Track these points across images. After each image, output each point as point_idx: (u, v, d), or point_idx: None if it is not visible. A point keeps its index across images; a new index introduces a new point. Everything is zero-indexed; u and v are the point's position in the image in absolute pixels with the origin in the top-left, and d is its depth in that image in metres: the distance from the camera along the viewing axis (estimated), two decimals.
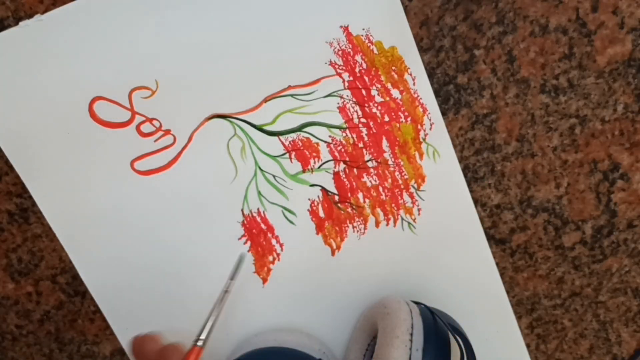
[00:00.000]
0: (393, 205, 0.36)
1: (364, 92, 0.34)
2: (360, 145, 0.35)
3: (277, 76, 0.34)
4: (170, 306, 0.37)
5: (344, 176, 0.36)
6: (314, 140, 0.35)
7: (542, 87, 0.35)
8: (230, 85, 0.34)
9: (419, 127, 0.35)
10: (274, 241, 0.36)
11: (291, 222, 0.36)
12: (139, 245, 0.36)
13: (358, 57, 0.34)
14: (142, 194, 0.35)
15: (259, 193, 0.36)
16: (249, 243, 0.36)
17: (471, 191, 0.36)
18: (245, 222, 0.36)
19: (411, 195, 0.36)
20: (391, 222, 0.37)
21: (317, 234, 0.36)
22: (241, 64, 0.33)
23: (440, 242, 0.37)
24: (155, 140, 0.34)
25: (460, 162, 0.36)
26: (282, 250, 0.37)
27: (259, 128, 0.34)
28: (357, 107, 0.35)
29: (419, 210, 0.36)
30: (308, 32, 0.33)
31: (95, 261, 0.36)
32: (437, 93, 0.35)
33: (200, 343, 0.31)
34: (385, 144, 0.35)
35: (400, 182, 0.36)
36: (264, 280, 0.37)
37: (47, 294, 0.38)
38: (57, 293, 0.38)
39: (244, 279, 0.36)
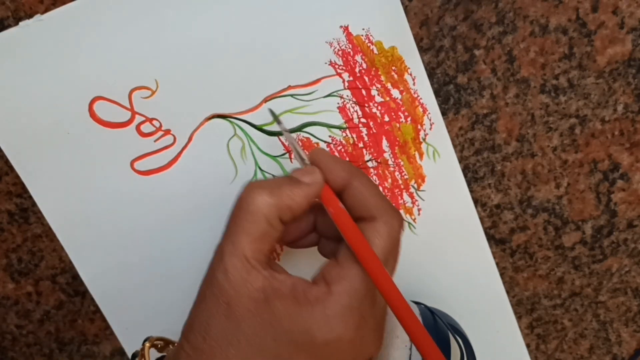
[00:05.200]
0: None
1: (364, 92, 0.34)
2: (360, 145, 0.35)
3: (277, 76, 0.34)
4: (170, 306, 0.37)
5: None
6: (314, 140, 0.35)
7: (542, 87, 0.35)
8: (230, 85, 0.34)
9: (419, 127, 0.35)
10: None
11: None
12: (139, 245, 0.36)
13: (358, 57, 0.34)
14: (142, 194, 0.35)
15: None
16: None
17: (471, 191, 0.36)
18: None
19: (411, 195, 0.36)
20: None
21: None
22: (241, 64, 0.33)
23: (440, 242, 0.37)
24: (155, 140, 0.34)
25: (460, 162, 0.36)
26: (281, 250, 0.37)
27: (259, 128, 0.34)
28: (357, 107, 0.35)
29: (419, 210, 0.36)
30: (308, 32, 0.33)
31: (95, 261, 0.36)
32: (437, 93, 0.35)
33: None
34: (385, 144, 0.35)
35: (400, 182, 0.36)
36: None
37: (47, 294, 0.38)
38: (57, 293, 0.38)
39: None
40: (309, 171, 0.26)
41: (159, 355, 0.29)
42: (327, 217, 0.26)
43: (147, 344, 0.27)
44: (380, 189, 0.36)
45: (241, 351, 0.24)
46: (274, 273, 0.25)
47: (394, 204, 0.27)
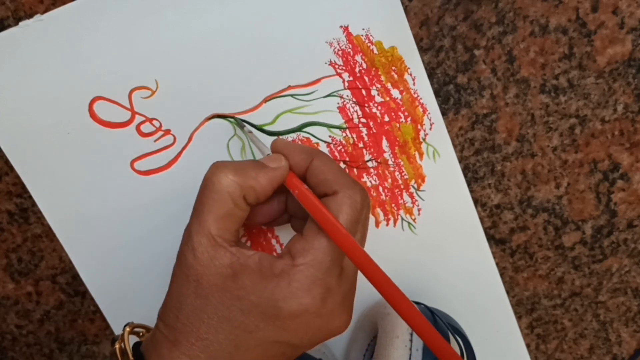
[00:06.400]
0: (393, 205, 0.36)
1: (364, 92, 0.34)
2: (360, 145, 0.35)
3: (277, 76, 0.34)
4: None
5: None
6: (314, 140, 0.35)
7: (542, 87, 0.35)
8: (230, 85, 0.34)
9: (419, 127, 0.35)
10: (273, 241, 0.36)
11: None
12: (139, 245, 0.36)
13: (358, 57, 0.34)
14: (142, 194, 0.35)
15: None
16: (249, 243, 0.36)
17: (471, 191, 0.36)
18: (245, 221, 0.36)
19: (411, 195, 0.36)
20: (391, 222, 0.37)
21: None
22: (241, 64, 0.33)
23: (440, 242, 0.37)
24: (155, 140, 0.34)
25: (460, 162, 0.36)
26: (282, 250, 0.37)
27: (259, 128, 0.34)
28: (357, 107, 0.35)
29: (419, 210, 0.36)
30: (308, 32, 0.33)
31: (95, 261, 0.36)
32: (437, 93, 0.35)
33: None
34: (385, 144, 0.35)
35: (400, 182, 0.36)
36: None
37: (47, 294, 0.38)
38: (57, 293, 0.38)
39: None
40: (274, 158, 0.28)
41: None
42: (295, 199, 0.27)
43: (127, 329, 0.28)
44: (379, 187, 0.36)
45: (212, 327, 0.24)
46: (241, 249, 0.25)
47: (356, 180, 0.27)
